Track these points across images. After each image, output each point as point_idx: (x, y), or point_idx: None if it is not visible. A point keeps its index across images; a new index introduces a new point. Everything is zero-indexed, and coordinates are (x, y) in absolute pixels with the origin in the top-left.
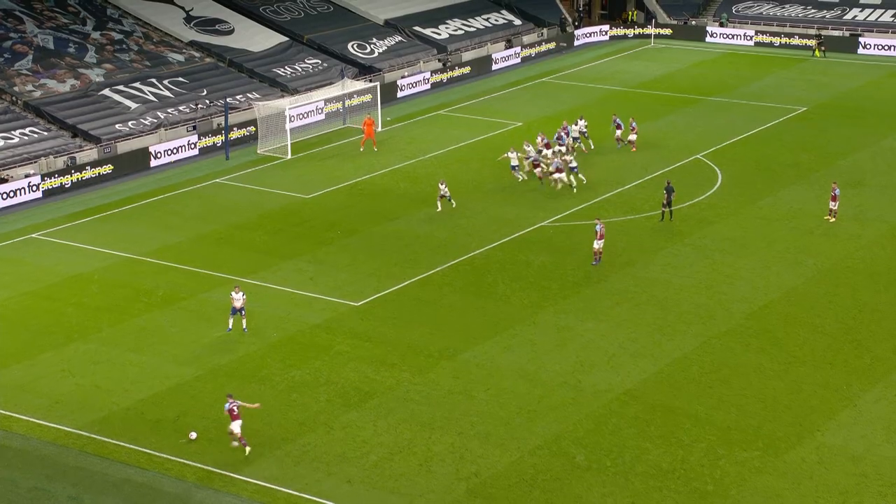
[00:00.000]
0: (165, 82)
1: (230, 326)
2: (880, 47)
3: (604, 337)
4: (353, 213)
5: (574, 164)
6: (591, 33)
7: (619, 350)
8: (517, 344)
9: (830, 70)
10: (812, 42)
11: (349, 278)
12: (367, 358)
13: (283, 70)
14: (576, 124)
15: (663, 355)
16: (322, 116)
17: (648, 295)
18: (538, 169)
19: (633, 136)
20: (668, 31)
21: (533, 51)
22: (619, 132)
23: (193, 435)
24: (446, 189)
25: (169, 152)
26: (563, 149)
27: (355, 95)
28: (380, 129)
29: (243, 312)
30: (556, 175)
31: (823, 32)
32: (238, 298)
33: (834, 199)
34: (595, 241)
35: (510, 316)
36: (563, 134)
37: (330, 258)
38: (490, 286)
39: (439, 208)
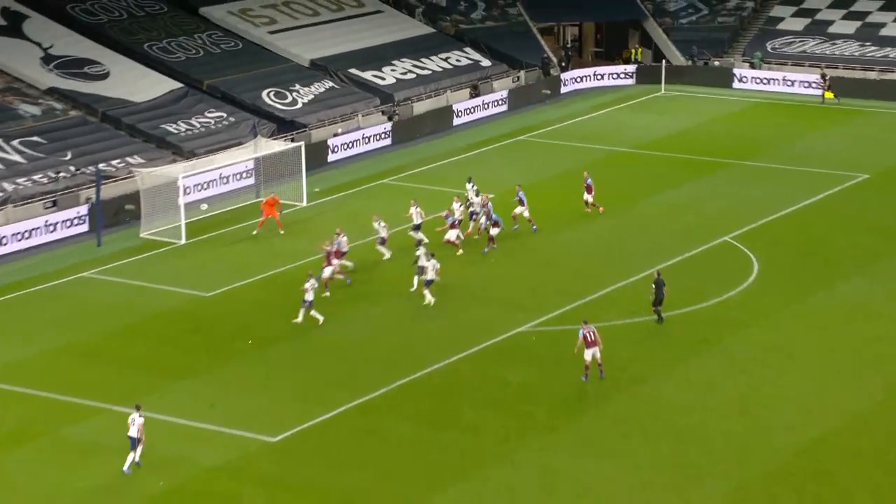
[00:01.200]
0: (14, 143)
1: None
2: None
3: (607, 481)
4: (270, 316)
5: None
6: (583, 77)
7: (627, 499)
8: (490, 492)
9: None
10: (820, 82)
11: (263, 404)
12: None
13: (175, 126)
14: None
15: None
16: (227, 188)
17: (664, 423)
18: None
19: (587, 197)
20: (681, 81)
21: (507, 100)
22: (588, 196)
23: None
24: (383, 228)
25: (18, 237)
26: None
27: (273, 160)
28: (304, 203)
29: (136, 444)
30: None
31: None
32: (134, 423)
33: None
34: (586, 351)
35: (481, 453)
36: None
37: (237, 377)
38: (453, 413)
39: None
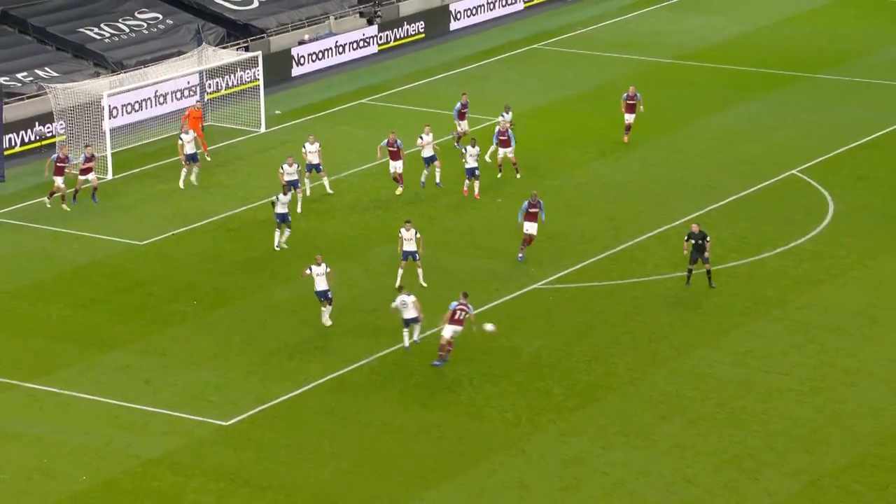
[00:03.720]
0: None
1: None
2: None
3: (641, 475)
4: (221, 271)
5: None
6: None
7: (669, 498)
8: (495, 488)
9: None
10: None
11: (213, 380)
12: None
13: (97, 30)
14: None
15: None
16: (166, 109)
17: (715, 404)
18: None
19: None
20: None
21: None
22: (630, 117)
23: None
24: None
25: None
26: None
27: (224, 75)
28: (262, 129)
29: None
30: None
31: None
32: None
33: None
34: (447, 327)
35: (484, 441)
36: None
37: (180, 347)
38: (449, 391)
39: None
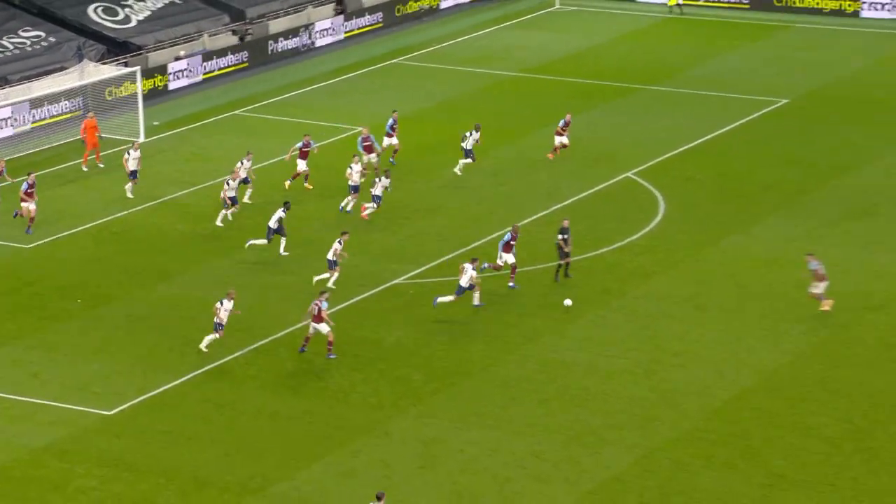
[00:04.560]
0: None
1: None
2: (890, 7)
3: (494, 452)
4: (104, 271)
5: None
6: None
7: (519, 472)
8: (361, 466)
9: (821, 43)
10: None
11: (98, 372)
12: (128, 498)
13: None
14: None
15: (585, 478)
16: (47, 120)
17: (560, 386)
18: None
19: (563, 139)
20: None
21: (375, 18)
22: (560, 139)
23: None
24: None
25: None
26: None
27: (103, 88)
28: (142, 138)
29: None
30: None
31: None
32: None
33: (819, 277)
34: (312, 325)
35: (350, 424)
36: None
37: (66, 342)
38: (318, 378)
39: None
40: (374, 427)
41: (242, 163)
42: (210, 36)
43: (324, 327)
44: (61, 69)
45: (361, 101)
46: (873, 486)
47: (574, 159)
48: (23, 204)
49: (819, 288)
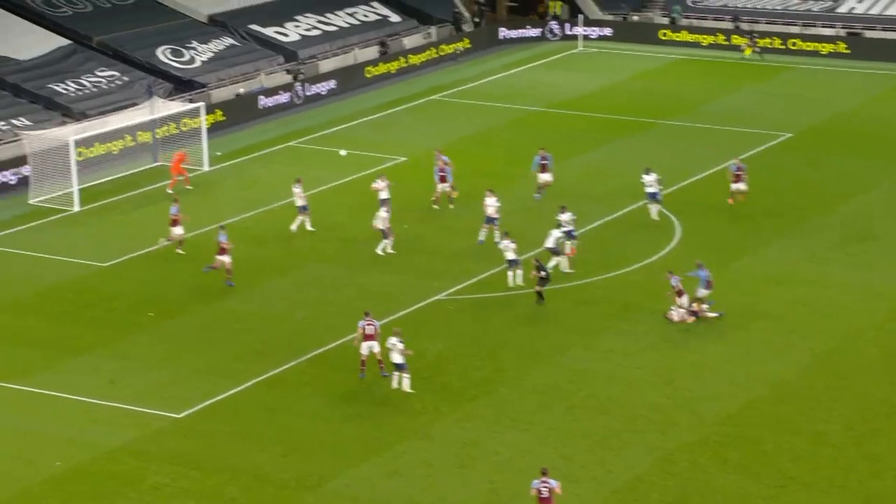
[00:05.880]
0: None
1: None
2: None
3: (526, 454)
4: (172, 287)
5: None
6: (497, 33)
7: (550, 471)
8: (406, 466)
9: (821, 82)
10: (744, 40)
11: (167, 379)
12: (196, 493)
13: (63, 86)
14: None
15: (609, 477)
16: (123, 151)
17: (586, 394)
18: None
19: (546, 177)
20: (603, 31)
21: (418, 58)
22: (544, 176)
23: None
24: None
25: None
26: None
27: (170, 122)
28: (206, 167)
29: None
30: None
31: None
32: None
33: (679, 293)
34: (363, 344)
35: (396, 427)
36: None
37: (139, 352)
38: (366, 386)
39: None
40: (418, 430)
41: (295, 189)
42: (266, 74)
43: (375, 346)
44: (133, 105)
45: (404, 133)
46: (878, 489)
47: (599, 186)
48: (217, 257)
49: (683, 303)
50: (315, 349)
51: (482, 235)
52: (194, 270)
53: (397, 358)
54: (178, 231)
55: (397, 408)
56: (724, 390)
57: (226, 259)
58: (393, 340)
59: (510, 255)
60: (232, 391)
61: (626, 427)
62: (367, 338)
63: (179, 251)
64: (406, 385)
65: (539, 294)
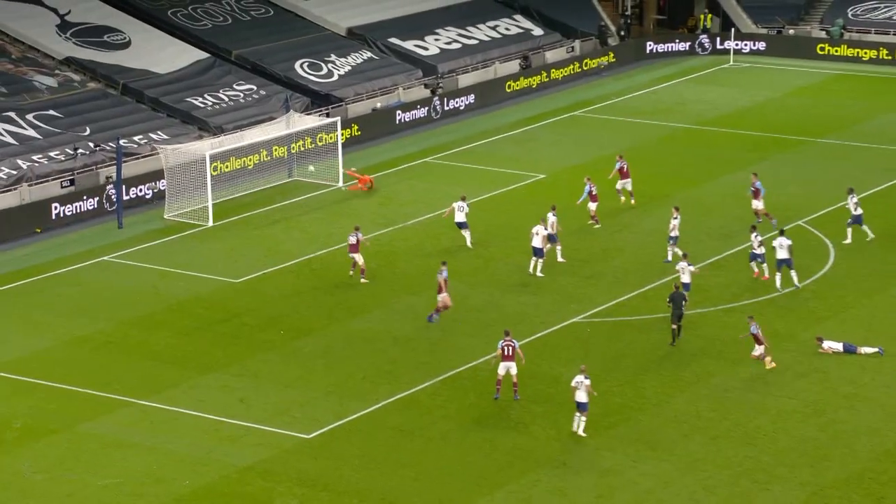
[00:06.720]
0: (29, 117)
1: None
2: None
3: (667, 485)
4: (305, 305)
5: None
6: (644, 47)
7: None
8: (540, 495)
9: None
10: None
11: (297, 399)
12: None
13: (201, 100)
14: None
15: None
16: (258, 166)
17: (730, 423)
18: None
19: (625, 183)
20: (756, 45)
21: (560, 73)
22: (757, 203)
23: None
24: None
25: (34, 217)
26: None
27: (305, 136)
28: (340, 184)
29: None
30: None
31: None
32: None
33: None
34: (500, 364)
35: (530, 453)
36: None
37: (269, 370)
38: (501, 410)
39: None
40: (553, 458)
41: (458, 206)
42: (404, 89)
43: (513, 367)
44: (269, 119)
45: (543, 150)
46: None
47: (747, 206)
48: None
49: (758, 350)
50: (447, 371)
51: (669, 255)
52: (325, 288)
53: (581, 397)
54: (359, 259)
55: (531, 434)
56: (881, 424)
57: (358, 258)
58: (580, 378)
59: (685, 279)
60: (362, 412)
61: (774, 460)
62: (506, 358)
63: (363, 280)
64: (582, 428)
65: (675, 331)
